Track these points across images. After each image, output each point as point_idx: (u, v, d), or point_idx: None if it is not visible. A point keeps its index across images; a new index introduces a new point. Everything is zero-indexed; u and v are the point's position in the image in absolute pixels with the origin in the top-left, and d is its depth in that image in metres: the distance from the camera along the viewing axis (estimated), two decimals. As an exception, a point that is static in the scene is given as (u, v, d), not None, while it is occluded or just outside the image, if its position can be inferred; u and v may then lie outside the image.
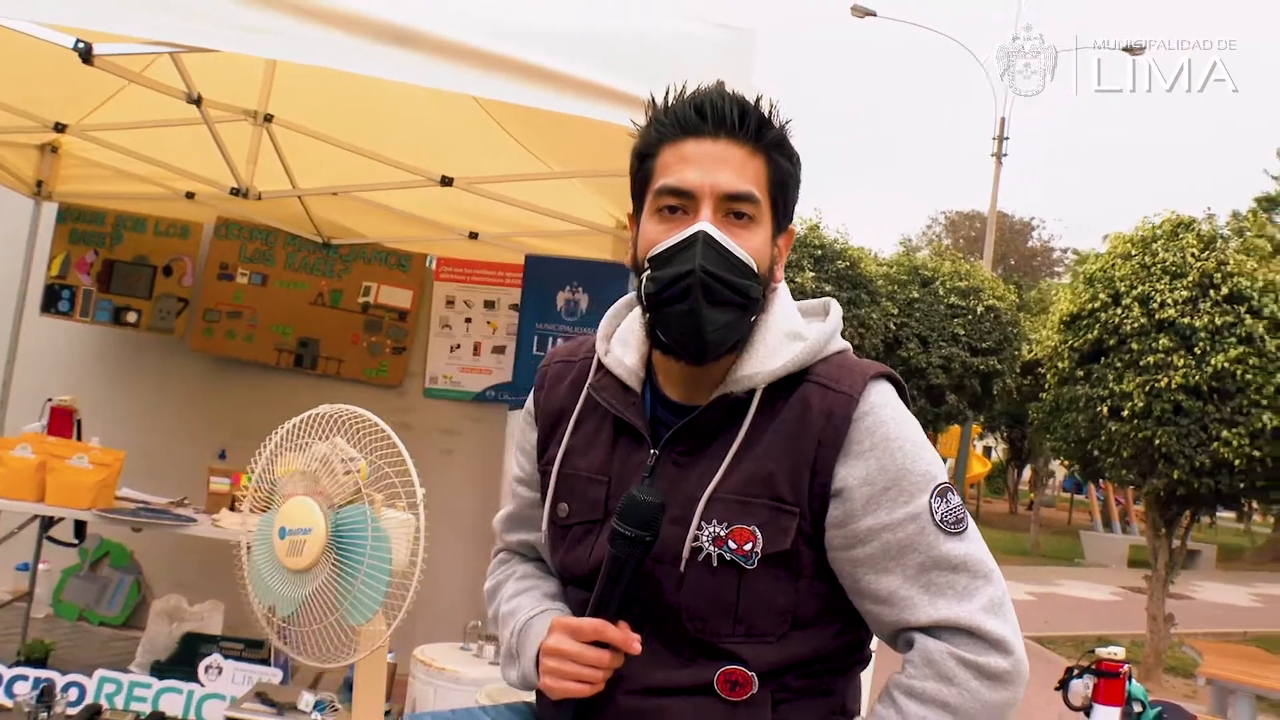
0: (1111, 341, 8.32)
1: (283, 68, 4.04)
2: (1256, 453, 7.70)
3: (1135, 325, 8.09)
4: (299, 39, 2.51)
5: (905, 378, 1.80)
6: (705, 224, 1.47)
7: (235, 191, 4.39)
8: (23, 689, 4.06)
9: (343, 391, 5.17)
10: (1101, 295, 8.45)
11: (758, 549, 1.48)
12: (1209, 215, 8.91)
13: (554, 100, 2.74)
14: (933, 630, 1.46)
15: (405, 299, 5.54)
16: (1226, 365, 7.69)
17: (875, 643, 1.66)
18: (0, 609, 5.29)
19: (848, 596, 1.54)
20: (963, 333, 14.44)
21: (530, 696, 1.72)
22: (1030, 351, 14.11)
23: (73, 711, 4.05)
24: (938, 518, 1.46)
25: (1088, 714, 3.12)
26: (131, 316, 5.52)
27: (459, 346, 5.48)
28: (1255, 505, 9.06)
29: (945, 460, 18.31)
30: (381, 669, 2.58)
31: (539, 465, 1.73)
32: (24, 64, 3.85)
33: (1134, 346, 8.08)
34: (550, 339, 4.91)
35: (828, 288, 12.68)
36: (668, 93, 1.56)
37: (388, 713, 3.68)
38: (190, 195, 5.22)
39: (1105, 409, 8.24)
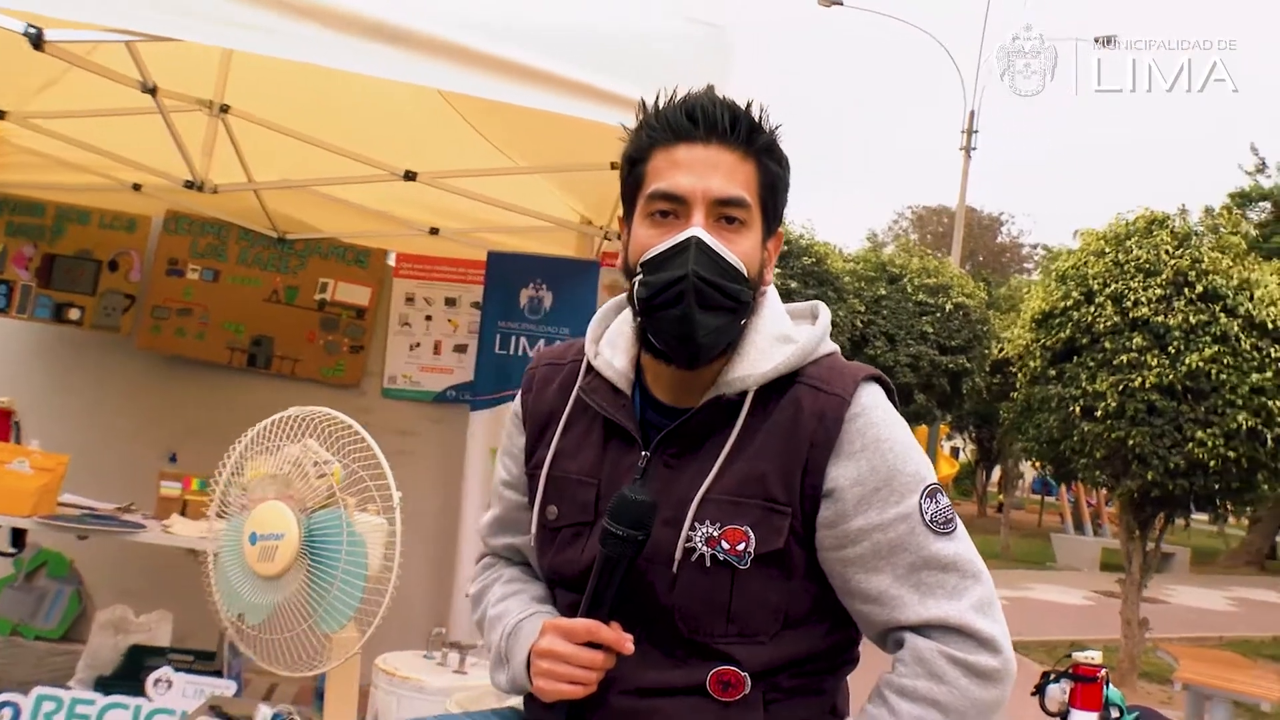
0: (1084, 340, 8.44)
1: (239, 57, 4.04)
2: (1231, 454, 7.81)
3: (1108, 324, 8.20)
4: (276, 33, 2.56)
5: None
6: (698, 229, 1.54)
7: (190, 184, 4.38)
8: (-50, 712, 4.00)
9: (298, 391, 5.17)
10: (1074, 293, 8.55)
11: (751, 549, 1.55)
12: (1182, 211, 9.04)
13: (528, 96, 2.79)
14: (923, 629, 1.54)
15: (363, 296, 5.55)
16: (1201, 364, 7.81)
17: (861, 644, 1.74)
18: (-72, 626, 5.23)
19: (838, 597, 1.62)
20: (931, 331, 14.60)
21: (515, 700, 1.78)
22: (1000, 350, 14.27)
23: (7, 733, 4.02)
24: (928, 518, 1.55)
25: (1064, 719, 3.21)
26: (74, 313, 5.47)
27: (419, 345, 5.51)
28: (1230, 507, 9.17)
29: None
30: (354, 678, 2.63)
31: (527, 469, 1.78)
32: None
33: (1107, 345, 8.19)
34: (513, 337, 4.94)
35: (793, 284, 12.80)
36: (658, 97, 1.63)
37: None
38: (137, 187, 5.18)
39: (1078, 409, 8.35)
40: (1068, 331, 8.54)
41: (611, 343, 1.73)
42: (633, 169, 1.63)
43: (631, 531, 1.53)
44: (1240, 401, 7.81)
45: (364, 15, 2.62)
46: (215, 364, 5.53)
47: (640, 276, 1.57)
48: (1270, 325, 7.95)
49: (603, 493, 1.65)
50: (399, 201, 5.12)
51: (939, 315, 14.68)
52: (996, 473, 26.04)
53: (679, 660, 1.59)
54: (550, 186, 4.80)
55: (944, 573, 1.54)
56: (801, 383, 1.60)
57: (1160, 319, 8.00)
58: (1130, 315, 8.13)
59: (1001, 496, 23.99)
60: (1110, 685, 3.28)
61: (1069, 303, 8.58)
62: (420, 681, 3.81)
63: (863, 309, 14.22)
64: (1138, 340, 8.04)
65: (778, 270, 12.90)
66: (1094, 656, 3.28)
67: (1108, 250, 8.56)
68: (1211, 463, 7.85)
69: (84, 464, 4.68)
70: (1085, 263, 8.68)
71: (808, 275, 13.39)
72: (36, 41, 3.29)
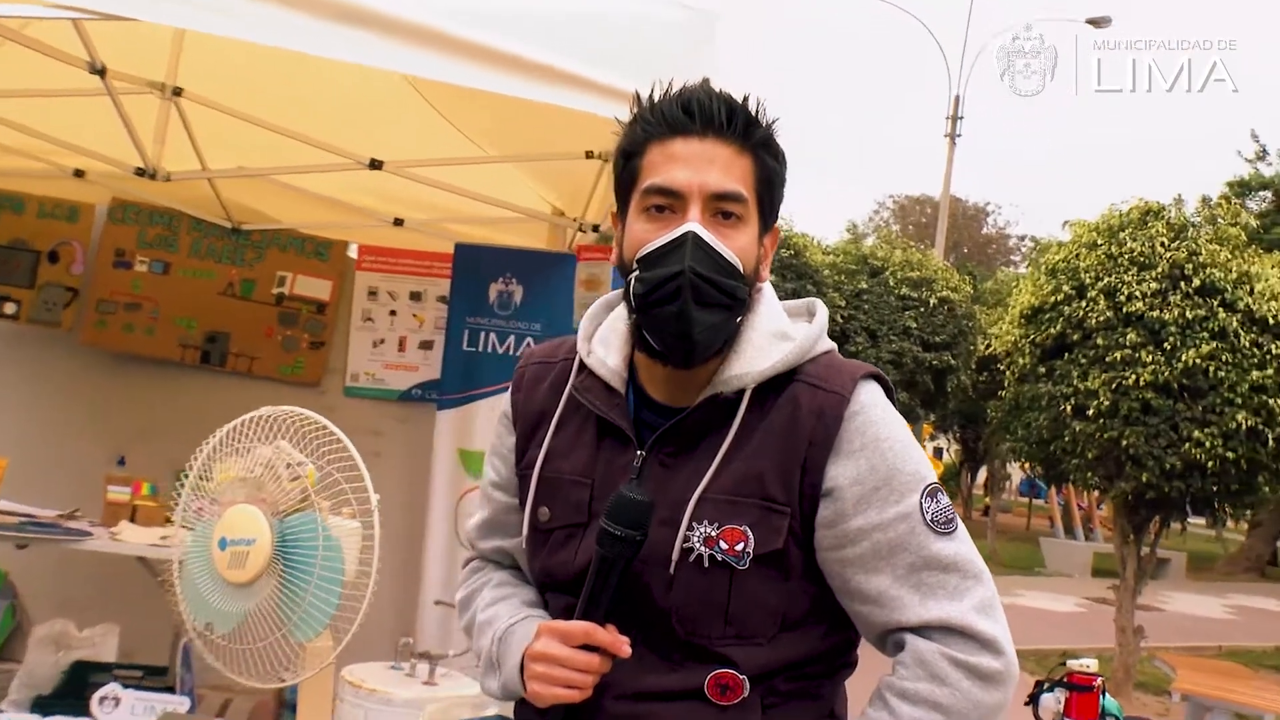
0: (1076, 336, 8.52)
1: (193, 36, 4.04)
2: (1230, 454, 7.89)
3: (1101, 319, 8.28)
4: (235, 14, 2.58)
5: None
6: (694, 224, 1.60)
7: (141, 172, 4.38)
8: None
9: (256, 390, 5.17)
10: (1065, 287, 8.63)
11: (749, 549, 1.61)
12: (1178, 201, 9.10)
13: (501, 82, 2.83)
14: (924, 630, 1.60)
15: (324, 290, 5.57)
16: (1198, 361, 7.89)
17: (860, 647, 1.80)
18: None
19: (836, 598, 1.68)
20: (914, 326, 14.72)
21: (493, 709, 1.83)
22: (987, 346, 14.43)
23: (-64, 762, 3.97)
24: (928, 517, 1.61)
25: (1059, 729, 3.29)
26: (10, 307, 5.44)
27: (383, 341, 5.52)
28: (1228, 510, 9.26)
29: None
30: (328, 688, 2.67)
31: (517, 469, 1.83)
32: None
33: (1100, 341, 8.27)
34: (482, 333, 4.98)
35: (771, 277, 12.85)
36: (653, 90, 1.69)
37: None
38: (79, 173, 5.17)
39: (1069, 408, 8.42)
40: (1058, 327, 8.61)
41: (604, 341, 1.78)
42: (627, 163, 1.68)
43: (630, 531, 1.58)
44: (1239, 400, 7.88)
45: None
46: (167, 361, 5.52)
47: (636, 273, 1.62)
48: (1271, 320, 8.02)
49: (596, 493, 1.70)
50: (362, 191, 5.13)
51: (923, 310, 14.80)
52: (982, 474, 26.21)
53: (676, 664, 1.64)
54: (521, 176, 4.84)
55: (945, 573, 1.60)
56: (799, 381, 1.66)
57: (1155, 314, 8.07)
58: (1124, 310, 8.21)
59: (988, 499, 24.16)
60: (1106, 695, 3.37)
61: (1060, 297, 8.65)
62: (388, 694, 3.83)
63: (843, 303, 14.33)
64: (1132, 336, 8.11)
65: (756, 262, 12.98)
66: (1089, 665, 3.36)
67: (1100, 242, 8.64)
68: (1209, 464, 7.92)
69: (22, 468, 4.66)
70: (1077, 255, 8.75)
71: (785, 268, 13.47)
72: (-27, 18, 3.29)
